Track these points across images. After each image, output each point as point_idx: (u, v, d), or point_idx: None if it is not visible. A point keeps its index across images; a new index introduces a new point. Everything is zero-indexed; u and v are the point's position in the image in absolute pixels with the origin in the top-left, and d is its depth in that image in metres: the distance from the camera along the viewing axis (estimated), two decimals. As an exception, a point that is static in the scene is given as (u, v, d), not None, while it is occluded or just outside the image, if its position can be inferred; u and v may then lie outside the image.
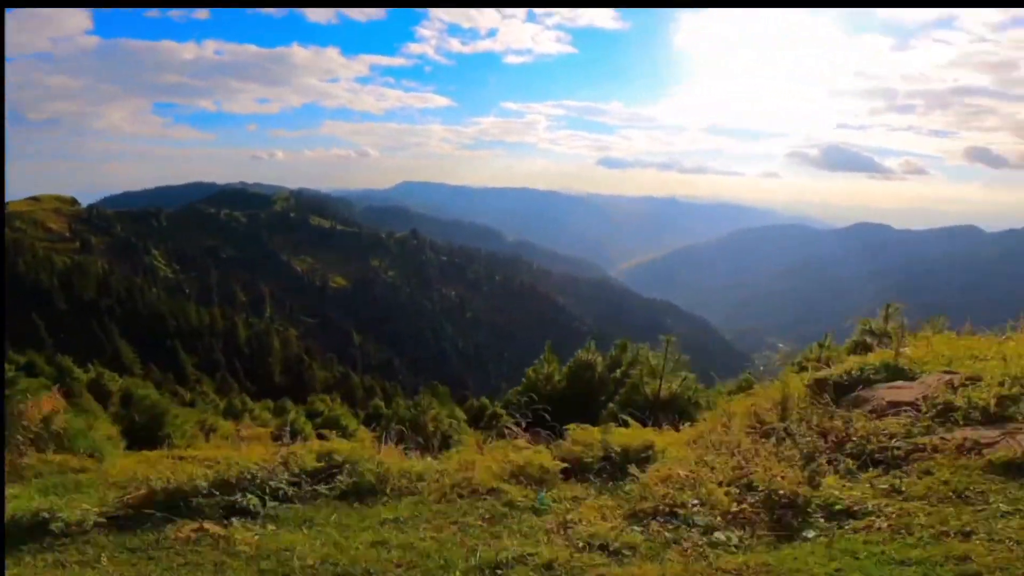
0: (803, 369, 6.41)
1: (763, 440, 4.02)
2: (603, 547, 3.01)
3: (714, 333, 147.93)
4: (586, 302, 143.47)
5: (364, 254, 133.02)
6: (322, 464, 3.99)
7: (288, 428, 6.84)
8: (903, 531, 2.81)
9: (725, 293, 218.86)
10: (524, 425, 5.09)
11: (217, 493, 3.57)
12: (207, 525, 3.29)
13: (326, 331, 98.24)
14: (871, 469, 3.48)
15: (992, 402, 3.96)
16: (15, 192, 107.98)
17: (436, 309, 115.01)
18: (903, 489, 3.22)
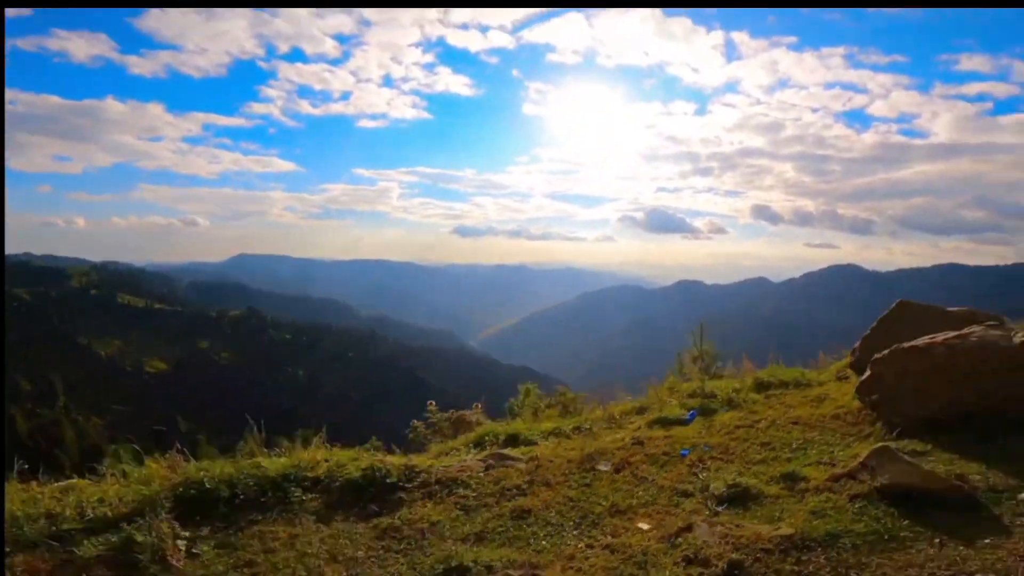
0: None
1: None
2: None
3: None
4: (448, 374, 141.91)
5: (190, 335, 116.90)
6: None
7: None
8: None
9: (577, 354, 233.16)
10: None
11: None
12: None
13: (144, 418, 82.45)
14: None
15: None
16: None
17: (284, 389, 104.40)
18: None
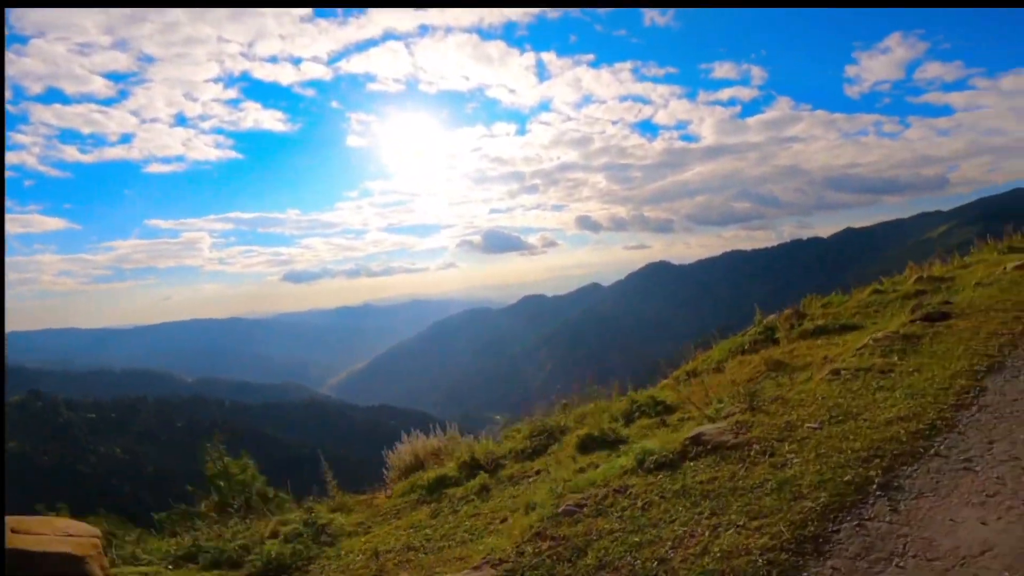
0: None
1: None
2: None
3: (437, 423, 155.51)
4: (300, 426, 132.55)
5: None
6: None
7: None
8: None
9: (436, 383, 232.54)
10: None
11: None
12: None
13: None
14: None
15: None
16: None
17: (100, 472, 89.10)
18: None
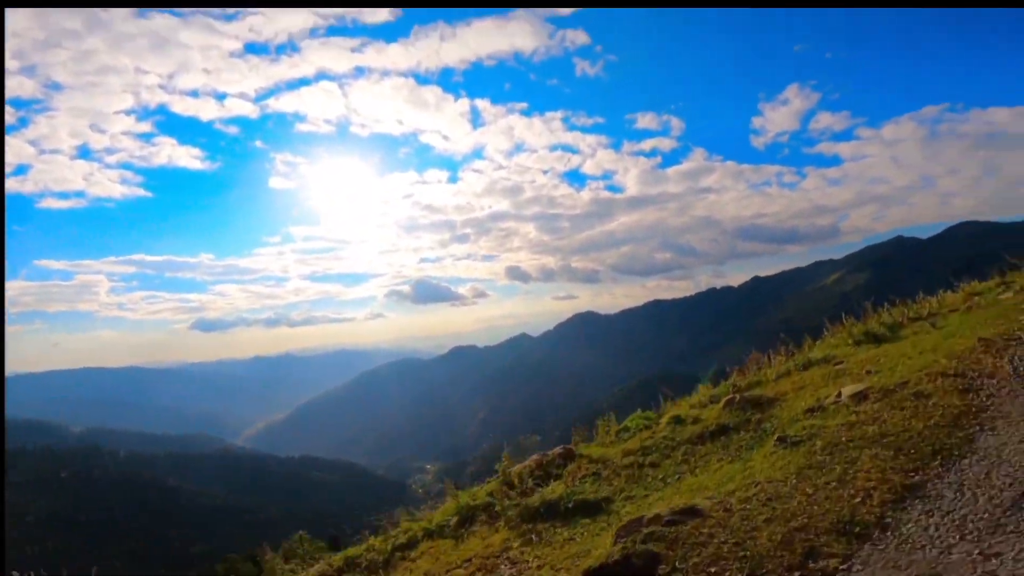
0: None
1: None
2: None
3: (365, 473, 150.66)
4: (212, 477, 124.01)
5: None
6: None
7: None
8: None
9: (364, 434, 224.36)
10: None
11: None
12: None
13: None
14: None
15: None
16: None
17: None
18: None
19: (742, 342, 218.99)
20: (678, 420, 7.42)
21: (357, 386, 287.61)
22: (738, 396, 7.36)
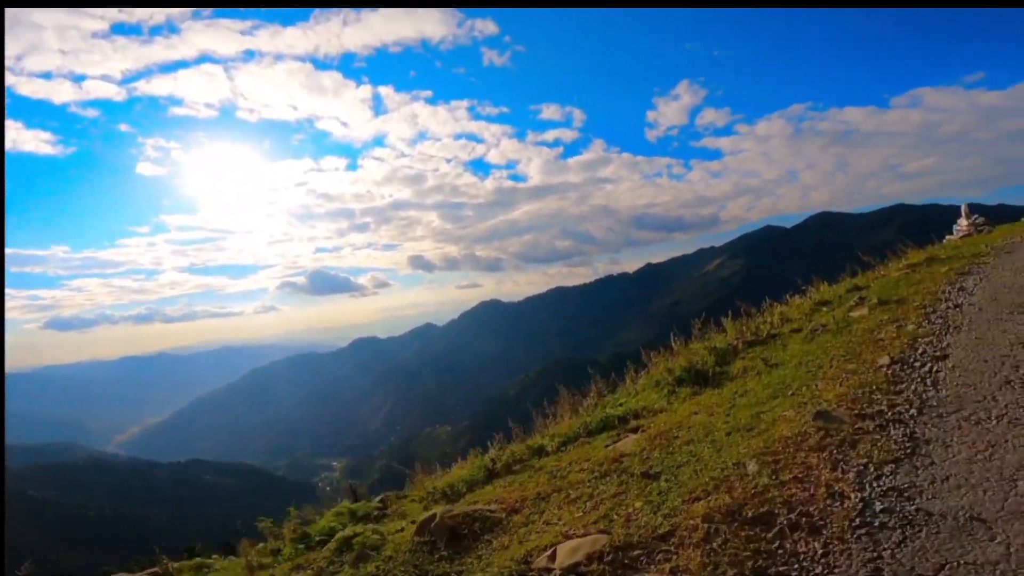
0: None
1: None
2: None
3: (264, 473, 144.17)
4: (83, 487, 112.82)
5: None
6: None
7: None
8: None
9: (258, 434, 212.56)
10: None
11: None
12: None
13: None
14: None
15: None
16: None
17: None
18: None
19: (639, 325, 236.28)
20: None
21: (248, 384, 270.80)
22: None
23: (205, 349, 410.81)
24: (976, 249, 11.56)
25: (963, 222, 19.69)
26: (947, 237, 19.08)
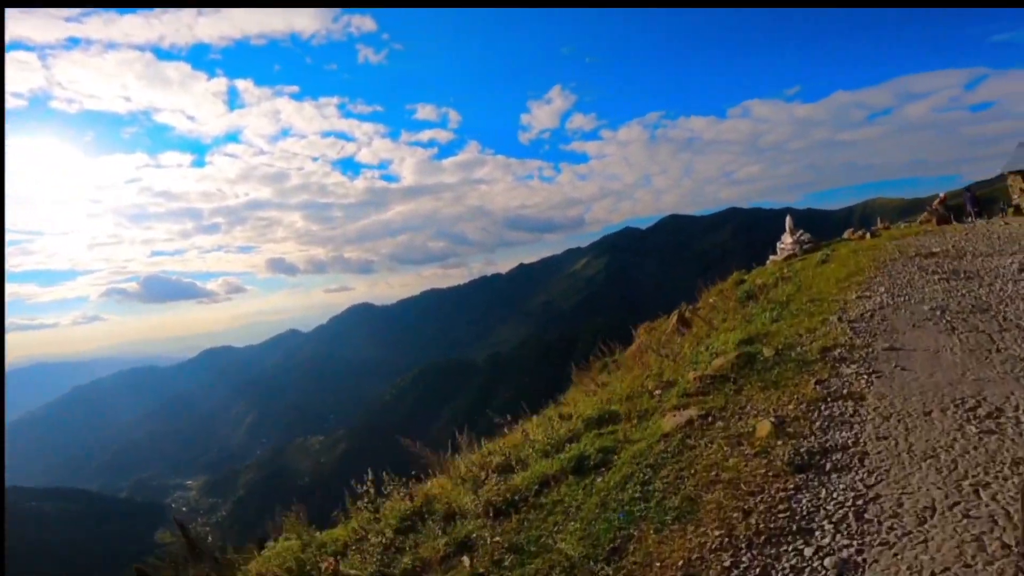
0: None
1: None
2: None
3: (103, 499, 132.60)
4: None
5: None
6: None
7: None
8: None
9: (90, 456, 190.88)
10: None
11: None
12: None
13: None
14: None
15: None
16: None
17: None
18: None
19: (514, 324, 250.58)
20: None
21: (71, 403, 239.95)
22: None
23: (15, 367, 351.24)
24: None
25: (787, 239, 19.17)
26: (770, 257, 18.79)
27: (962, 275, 10.46)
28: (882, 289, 10.27)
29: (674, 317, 13.95)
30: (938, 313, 8.26)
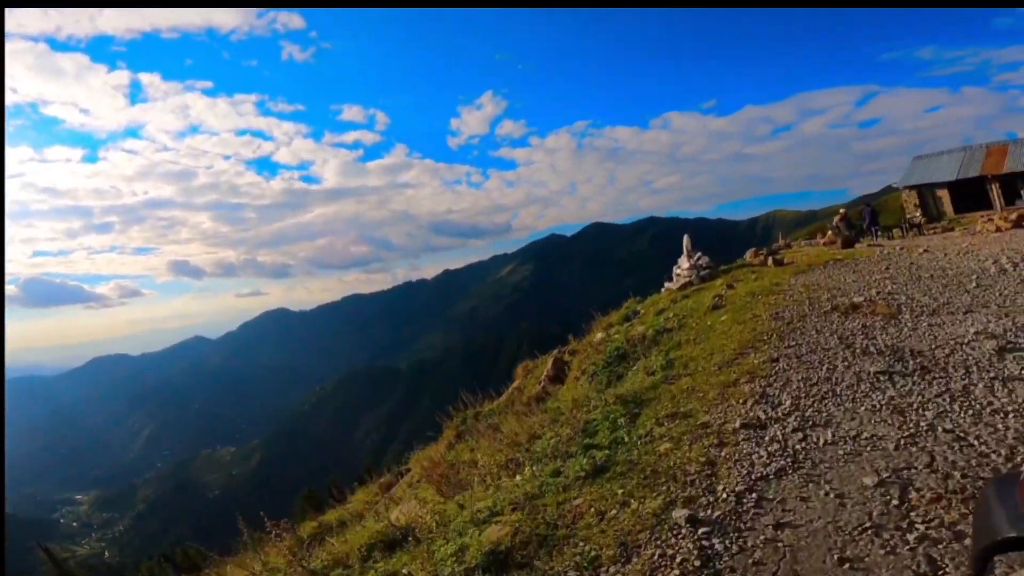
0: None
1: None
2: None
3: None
4: None
5: None
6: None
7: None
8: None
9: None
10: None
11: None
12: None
13: None
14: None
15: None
16: None
17: None
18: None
19: (440, 331, 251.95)
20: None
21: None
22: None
23: None
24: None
25: (684, 263, 17.53)
26: (665, 284, 17.45)
27: (911, 363, 6.12)
28: (786, 403, 5.56)
29: (550, 361, 13.68)
30: (894, 503, 3.66)
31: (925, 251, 15.20)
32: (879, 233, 23.98)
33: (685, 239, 18.42)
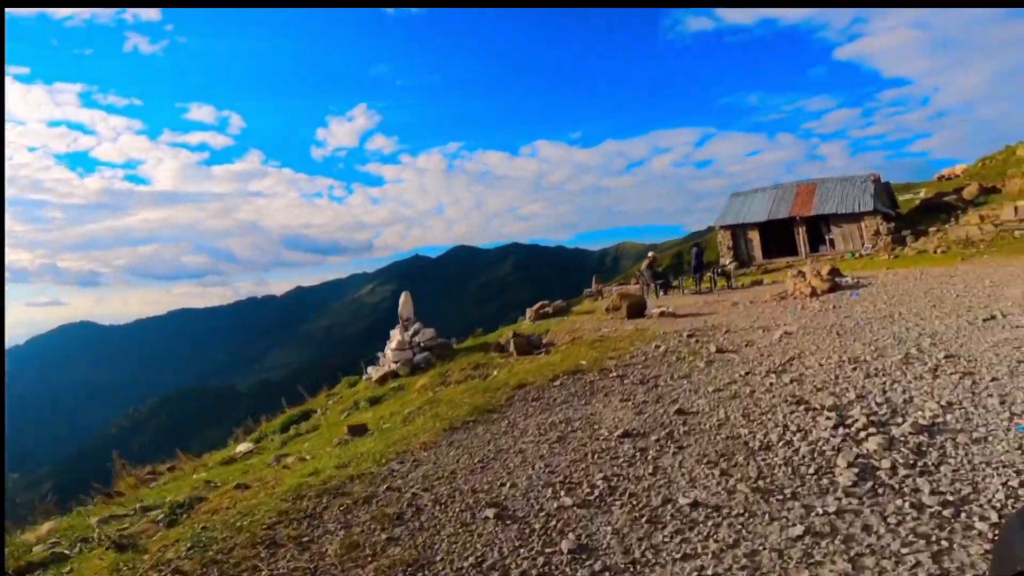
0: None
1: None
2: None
3: None
4: None
5: None
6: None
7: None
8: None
9: None
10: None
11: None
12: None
13: None
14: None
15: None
16: None
17: None
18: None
19: (290, 348, 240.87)
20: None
21: None
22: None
23: None
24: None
25: (396, 338, 13.12)
26: (368, 369, 13.82)
27: None
28: None
29: (322, 396, 13.28)
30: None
31: (719, 351, 9.33)
32: (672, 286, 22.21)
33: (403, 298, 13.92)
